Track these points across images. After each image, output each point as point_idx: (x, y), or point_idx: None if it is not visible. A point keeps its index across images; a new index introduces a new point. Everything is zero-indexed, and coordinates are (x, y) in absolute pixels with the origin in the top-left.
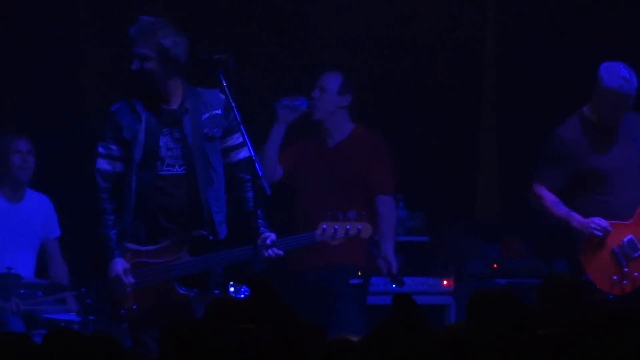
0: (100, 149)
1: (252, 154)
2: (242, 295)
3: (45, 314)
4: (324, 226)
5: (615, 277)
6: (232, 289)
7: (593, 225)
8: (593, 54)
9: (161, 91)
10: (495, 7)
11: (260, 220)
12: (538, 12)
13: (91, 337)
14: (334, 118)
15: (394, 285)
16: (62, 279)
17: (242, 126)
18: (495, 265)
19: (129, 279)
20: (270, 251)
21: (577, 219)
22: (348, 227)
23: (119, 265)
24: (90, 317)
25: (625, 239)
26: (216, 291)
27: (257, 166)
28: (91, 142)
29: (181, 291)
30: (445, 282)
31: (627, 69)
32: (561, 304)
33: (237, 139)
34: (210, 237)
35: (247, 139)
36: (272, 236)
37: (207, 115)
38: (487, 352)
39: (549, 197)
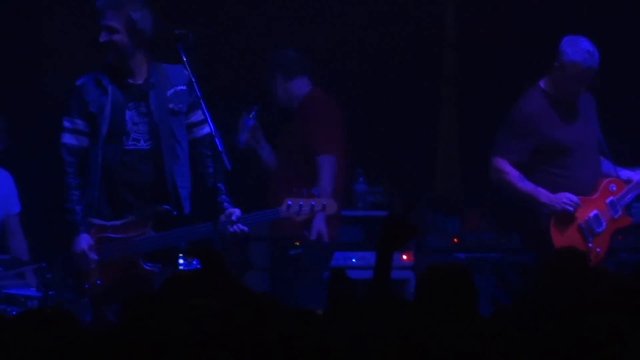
0: (66, 124)
1: (213, 129)
2: (192, 268)
3: (5, 289)
4: (289, 202)
5: None
6: (181, 261)
7: (565, 200)
8: (551, 27)
9: (128, 65)
10: None
11: (223, 196)
12: None
13: (47, 312)
14: (289, 94)
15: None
16: (22, 254)
17: (202, 101)
18: (455, 240)
19: (93, 255)
20: (235, 227)
21: (545, 194)
22: (313, 203)
23: (84, 240)
24: (50, 293)
25: (591, 214)
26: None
27: (217, 141)
28: (52, 116)
29: (146, 267)
30: (405, 257)
31: (589, 43)
32: (573, 276)
33: (199, 115)
34: (175, 213)
35: (207, 115)
36: (237, 212)
37: (171, 90)
38: (434, 328)
39: (512, 172)
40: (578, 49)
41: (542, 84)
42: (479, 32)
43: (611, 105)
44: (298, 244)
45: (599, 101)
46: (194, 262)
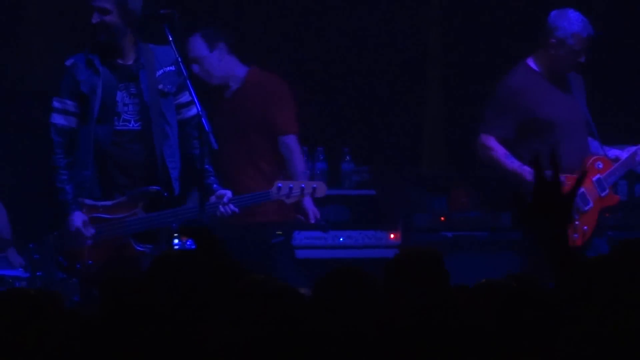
0: (56, 104)
1: (199, 109)
2: (187, 248)
3: None
4: (279, 184)
5: None
6: (176, 241)
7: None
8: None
9: (118, 45)
10: None
11: (212, 177)
12: None
13: (33, 294)
14: (223, 73)
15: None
16: (5, 234)
17: (189, 82)
18: (442, 218)
19: (89, 231)
20: (226, 208)
21: (530, 172)
22: (303, 185)
23: (78, 218)
24: (38, 273)
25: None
26: (164, 246)
27: (204, 122)
28: (37, 96)
29: (137, 247)
30: (392, 236)
31: (578, 13)
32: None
33: (186, 96)
34: (166, 194)
35: (194, 95)
36: (229, 194)
37: (161, 71)
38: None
39: (499, 150)
40: (572, 20)
41: (529, 61)
42: (467, 7)
43: (602, 83)
44: (280, 233)
45: (589, 80)
46: (188, 242)
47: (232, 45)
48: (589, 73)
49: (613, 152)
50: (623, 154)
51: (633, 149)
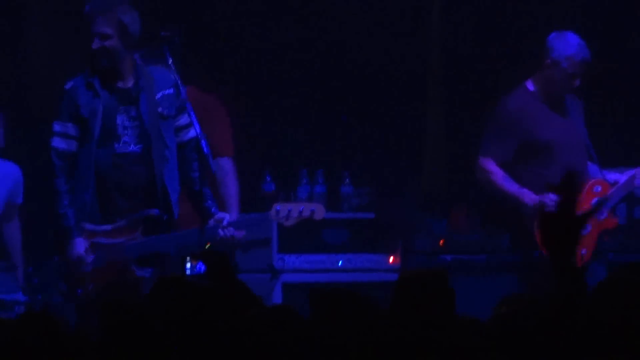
0: (57, 127)
1: (198, 132)
2: (197, 272)
3: None
4: (278, 207)
5: None
6: (188, 265)
7: (548, 202)
8: (536, 27)
9: (118, 69)
10: None
11: (210, 201)
12: None
13: (29, 317)
14: None
15: None
16: (14, 243)
17: (188, 104)
18: (441, 242)
19: (91, 257)
20: (226, 231)
21: (528, 195)
22: (301, 208)
23: (80, 244)
24: (38, 297)
25: None
26: (170, 270)
27: (202, 144)
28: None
29: (138, 271)
30: (391, 259)
31: (577, 36)
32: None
33: (185, 118)
34: (165, 217)
35: (193, 117)
36: (227, 217)
37: (160, 94)
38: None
39: (497, 172)
40: (568, 43)
41: (528, 84)
42: (466, 31)
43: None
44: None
45: (590, 102)
46: (198, 266)
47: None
48: (590, 95)
49: (612, 175)
50: (622, 177)
51: (632, 172)
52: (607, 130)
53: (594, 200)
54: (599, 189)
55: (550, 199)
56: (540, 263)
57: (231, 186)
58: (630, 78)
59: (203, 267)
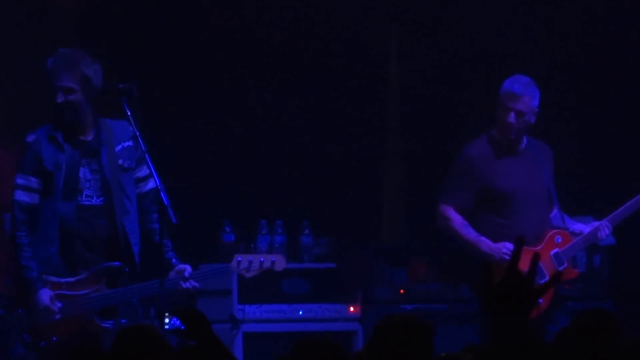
0: (19, 181)
1: (158, 183)
2: (172, 327)
3: None
4: (239, 258)
5: None
6: (167, 320)
7: (505, 251)
8: (500, 75)
9: (81, 122)
10: (398, 29)
11: (170, 252)
12: (439, 34)
13: None
14: None
15: None
16: None
17: (147, 156)
18: (401, 291)
19: (56, 306)
20: (187, 283)
21: (486, 243)
22: (262, 259)
23: (45, 294)
24: None
25: None
26: (123, 320)
27: (162, 195)
28: None
29: (102, 323)
30: (351, 309)
31: (527, 79)
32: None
33: (144, 170)
34: (127, 269)
35: (152, 169)
36: (189, 269)
37: (119, 146)
38: None
39: (457, 220)
40: (513, 81)
41: (490, 132)
42: (424, 77)
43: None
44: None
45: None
46: (174, 321)
47: None
48: (565, 143)
49: (577, 226)
50: (586, 228)
51: (596, 224)
52: (578, 178)
53: (554, 251)
54: (560, 239)
55: (507, 247)
56: None
57: None
58: (605, 128)
59: (178, 322)
